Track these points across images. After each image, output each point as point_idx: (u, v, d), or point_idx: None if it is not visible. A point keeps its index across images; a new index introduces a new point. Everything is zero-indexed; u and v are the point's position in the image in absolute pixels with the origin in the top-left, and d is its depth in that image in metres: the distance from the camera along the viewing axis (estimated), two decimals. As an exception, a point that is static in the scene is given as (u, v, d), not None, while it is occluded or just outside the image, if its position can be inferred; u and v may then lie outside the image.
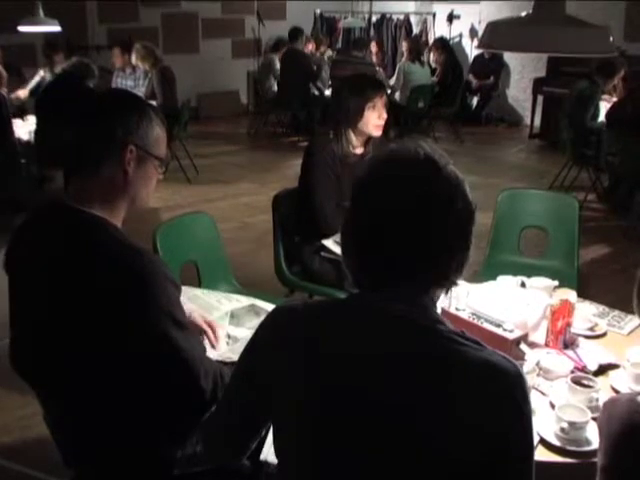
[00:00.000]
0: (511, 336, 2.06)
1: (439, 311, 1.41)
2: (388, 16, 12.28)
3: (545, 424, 1.82)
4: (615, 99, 6.88)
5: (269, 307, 2.32)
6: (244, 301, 2.52)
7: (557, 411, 1.82)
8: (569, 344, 2.25)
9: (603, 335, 2.39)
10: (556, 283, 2.61)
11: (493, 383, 1.20)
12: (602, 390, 1.93)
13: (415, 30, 12.23)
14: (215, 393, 1.72)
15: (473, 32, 11.44)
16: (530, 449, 1.25)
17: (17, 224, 1.83)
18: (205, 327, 2.11)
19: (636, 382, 2.00)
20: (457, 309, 2.20)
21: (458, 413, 1.18)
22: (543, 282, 2.61)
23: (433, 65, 10.40)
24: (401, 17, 12.18)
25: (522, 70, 10.92)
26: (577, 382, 1.93)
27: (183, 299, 1.80)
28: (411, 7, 12.27)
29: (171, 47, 10.47)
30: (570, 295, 2.40)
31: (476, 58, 11.17)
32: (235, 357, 1.74)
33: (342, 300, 1.38)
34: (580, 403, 1.86)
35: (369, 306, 1.29)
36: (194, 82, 10.43)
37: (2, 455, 2.97)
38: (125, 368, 1.67)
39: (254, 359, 1.39)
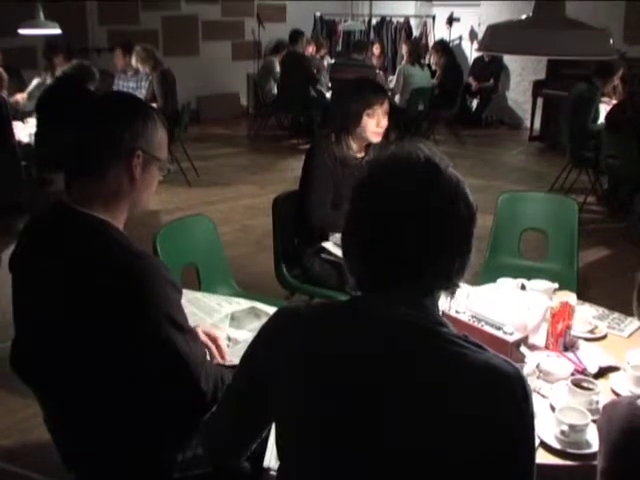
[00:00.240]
0: (511, 339, 2.06)
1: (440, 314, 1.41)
2: (388, 19, 12.30)
3: (545, 427, 1.82)
4: (614, 101, 6.88)
5: (269, 310, 2.33)
6: (244, 304, 2.53)
7: (557, 414, 1.82)
8: (569, 347, 2.25)
9: (603, 338, 2.39)
10: (556, 286, 2.62)
11: (494, 386, 1.20)
12: (602, 393, 1.93)
13: (415, 33, 12.24)
14: (216, 396, 1.72)
15: (473, 35, 11.45)
16: (531, 452, 1.25)
17: (19, 226, 1.83)
18: (209, 343, 2.10)
19: (636, 385, 2.00)
20: (457, 312, 2.21)
21: (459, 415, 1.18)
22: (543, 285, 2.61)
23: (433, 67, 10.40)
24: (401, 20, 12.20)
25: (522, 72, 10.92)
26: (577, 385, 1.93)
27: (184, 302, 1.80)
28: (411, 10, 12.29)
29: (171, 49, 10.47)
30: (570, 298, 2.40)
31: (476, 61, 11.18)
32: (235, 360, 1.75)
33: (344, 302, 1.38)
34: (580, 406, 1.86)
35: (371, 308, 1.29)
36: (194, 84, 10.44)
37: (2, 458, 2.97)
38: (125, 370, 1.67)
39: (256, 360, 1.39)
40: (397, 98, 9.16)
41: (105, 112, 1.79)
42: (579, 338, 2.33)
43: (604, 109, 6.64)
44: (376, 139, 3.31)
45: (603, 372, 2.13)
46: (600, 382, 2.02)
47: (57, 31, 6.84)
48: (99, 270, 1.63)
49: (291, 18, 11.91)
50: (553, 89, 9.29)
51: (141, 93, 7.37)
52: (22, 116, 6.41)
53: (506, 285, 2.62)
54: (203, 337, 2.10)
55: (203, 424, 1.54)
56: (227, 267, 3.33)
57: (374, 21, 12.17)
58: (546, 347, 2.26)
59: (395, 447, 1.20)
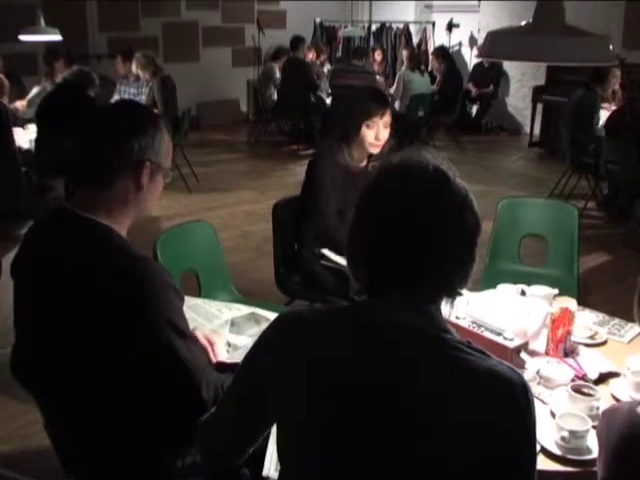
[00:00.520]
0: (511, 344, 2.06)
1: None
2: (388, 25, 12.32)
3: (546, 433, 1.81)
4: (614, 107, 6.90)
5: (270, 315, 2.32)
6: (244, 310, 2.53)
7: (558, 420, 1.81)
8: (569, 352, 2.25)
9: (603, 343, 2.39)
10: (556, 291, 2.62)
11: (497, 392, 1.20)
12: (603, 399, 1.93)
13: (415, 39, 12.26)
14: (216, 403, 1.71)
15: (472, 41, 11.47)
16: (533, 459, 1.25)
17: (19, 232, 1.84)
18: (206, 344, 2.11)
19: (636, 390, 2.00)
20: (457, 317, 2.21)
21: (461, 421, 1.18)
22: (543, 290, 2.61)
23: (434, 73, 10.43)
24: (401, 26, 12.22)
25: (521, 78, 10.94)
26: (577, 390, 1.93)
27: (184, 308, 1.80)
28: (411, 16, 12.31)
29: (171, 56, 10.49)
30: (570, 303, 2.40)
31: (475, 67, 11.20)
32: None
33: (346, 306, 1.38)
34: (581, 412, 1.85)
35: (372, 313, 1.29)
36: (194, 90, 10.45)
37: (2, 463, 2.97)
38: (126, 376, 1.67)
39: (257, 363, 1.39)
40: (397, 104, 9.17)
41: (116, 123, 1.79)
42: (579, 344, 2.33)
43: (604, 115, 6.65)
44: (374, 151, 3.25)
45: (603, 378, 2.13)
46: (600, 388, 2.02)
47: (58, 37, 6.85)
48: (100, 274, 1.63)
49: (291, 24, 11.94)
50: (553, 95, 9.30)
51: (142, 99, 7.39)
52: (22, 122, 6.42)
53: (506, 291, 2.62)
54: (202, 339, 2.11)
55: (201, 426, 1.53)
56: (227, 273, 3.33)
57: (374, 27, 12.20)
58: (546, 353, 2.25)
59: (397, 452, 1.20)
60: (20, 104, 6.93)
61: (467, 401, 1.19)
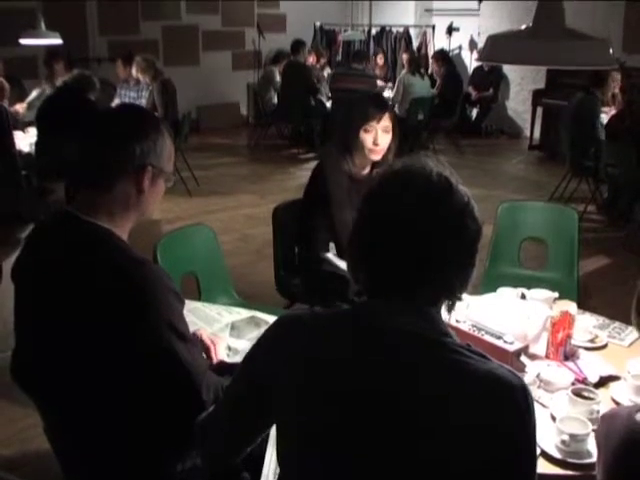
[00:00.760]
0: (511, 348, 2.06)
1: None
2: (388, 29, 12.33)
3: (546, 436, 1.81)
4: (614, 111, 6.90)
5: (270, 319, 2.33)
6: (244, 313, 2.53)
7: (558, 423, 1.81)
8: (569, 356, 2.25)
9: (604, 347, 2.39)
10: (556, 295, 2.62)
11: (497, 396, 1.20)
12: (603, 402, 1.93)
13: (415, 42, 12.28)
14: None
15: (472, 44, 11.48)
16: (533, 462, 1.25)
17: (19, 235, 1.84)
18: (210, 344, 2.11)
19: (637, 394, 2.00)
20: (457, 321, 2.21)
21: (461, 424, 1.18)
22: (543, 294, 2.61)
23: (434, 77, 10.44)
24: (401, 30, 12.23)
25: (521, 82, 10.95)
26: (578, 394, 1.93)
27: (184, 311, 1.80)
28: (411, 19, 12.32)
29: (172, 59, 10.50)
30: (570, 307, 2.40)
31: (475, 70, 11.20)
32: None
33: (346, 309, 1.39)
34: (581, 415, 1.85)
35: (372, 316, 1.29)
36: (194, 94, 10.46)
37: (2, 467, 2.96)
38: (126, 379, 1.67)
39: (256, 364, 1.40)
40: (397, 107, 9.18)
41: (118, 127, 1.79)
42: (579, 347, 2.33)
43: (604, 118, 6.65)
44: (374, 157, 3.14)
45: (604, 381, 2.13)
46: (601, 391, 2.01)
47: (58, 41, 6.86)
48: (101, 277, 1.63)
49: (291, 28, 11.95)
50: (552, 98, 9.32)
51: (142, 103, 7.40)
52: (23, 125, 6.42)
53: (506, 294, 2.62)
54: (206, 339, 2.11)
55: (198, 425, 1.54)
56: (227, 276, 3.33)
57: (374, 31, 12.21)
58: (546, 356, 2.25)
59: (397, 455, 1.20)
60: (20, 107, 6.93)
61: (467, 404, 1.19)
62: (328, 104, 9.36)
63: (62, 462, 1.87)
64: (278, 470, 1.66)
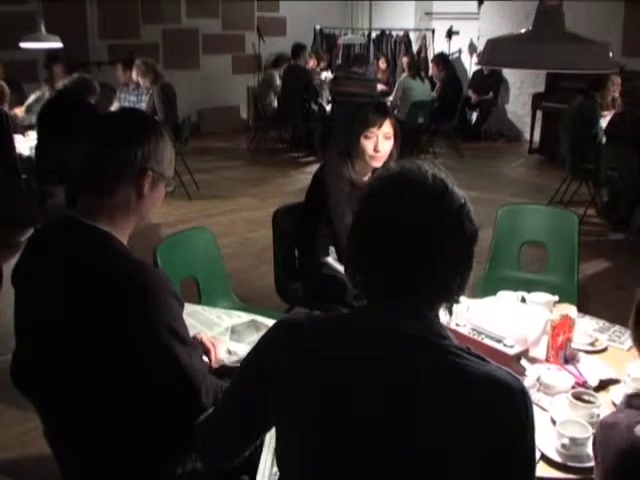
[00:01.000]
0: (511, 351, 2.06)
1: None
2: (388, 32, 12.34)
3: (546, 440, 1.81)
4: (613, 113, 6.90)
5: (270, 323, 2.33)
6: (244, 317, 2.53)
7: (558, 427, 1.81)
8: (570, 359, 2.25)
9: (604, 350, 2.39)
10: (556, 298, 2.61)
11: (496, 398, 1.21)
12: (603, 406, 1.93)
13: (414, 46, 12.29)
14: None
15: (472, 48, 11.49)
16: (532, 464, 1.26)
17: (19, 239, 1.85)
18: (210, 346, 2.12)
19: (637, 397, 2.00)
20: (457, 324, 2.21)
21: (460, 426, 1.19)
22: (543, 297, 2.61)
23: (434, 80, 10.45)
24: (400, 33, 12.24)
25: (521, 85, 10.97)
26: (578, 398, 1.93)
27: (183, 315, 1.81)
28: (410, 23, 12.33)
29: (172, 63, 10.51)
30: (570, 310, 2.40)
31: (475, 74, 11.22)
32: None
33: (345, 314, 1.39)
34: (581, 419, 1.85)
35: (373, 320, 1.30)
36: (195, 98, 10.47)
37: (2, 471, 2.96)
38: (126, 383, 1.67)
39: (255, 365, 1.41)
40: (396, 111, 9.19)
41: (119, 131, 1.79)
42: (579, 351, 2.33)
43: (604, 122, 6.65)
44: (375, 163, 3.11)
45: (604, 385, 2.13)
46: (601, 395, 2.01)
47: (58, 45, 6.87)
48: (101, 281, 1.63)
49: (291, 31, 11.97)
50: (552, 102, 9.32)
51: (142, 107, 7.40)
52: (23, 129, 6.42)
53: (506, 298, 2.62)
54: (206, 341, 2.12)
55: (197, 427, 1.54)
56: (227, 280, 3.33)
57: (374, 34, 12.22)
58: (546, 360, 2.25)
59: (395, 451, 1.21)
60: (19, 110, 6.93)
61: (466, 406, 1.20)
62: (328, 108, 9.36)
63: (62, 466, 1.87)
64: (274, 471, 1.67)
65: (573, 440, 1.76)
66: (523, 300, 2.61)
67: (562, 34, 1.96)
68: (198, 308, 2.66)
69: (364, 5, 12.32)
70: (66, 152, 1.80)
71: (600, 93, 6.57)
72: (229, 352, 2.22)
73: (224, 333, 2.39)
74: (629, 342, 2.43)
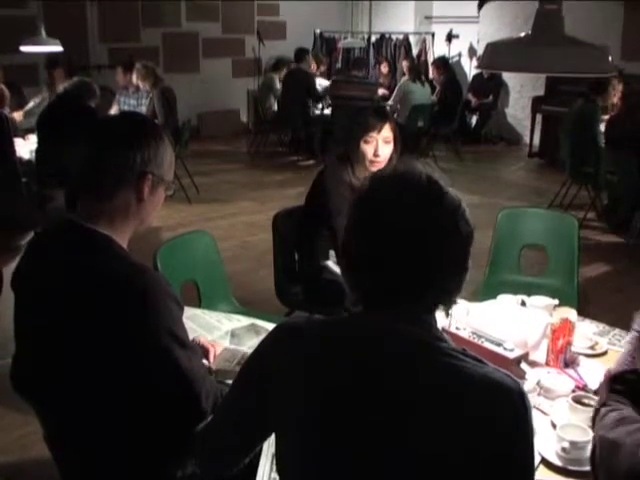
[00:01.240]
0: (511, 355, 2.06)
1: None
2: (387, 36, 12.36)
3: (546, 444, 1.81)
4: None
5: (270, 327, 2.33)
6: (244, 321, 2.53)
7: (558, 430, 1.81)
8: (570, 363, 2.25)
9: (604, 354, 2.38)
10: (556, 302, 2.62)
11: (495, 400, 1.21)
12: (603, 409, 1.93)
13: (414, 50, 12.31)
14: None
15: (472, 51, 11.52)
16: (531, 466, 1.26)
17: (19, 243, 1.85)
18: (209, 347, 2.13)
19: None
20: (457, 328, 2.21)
21: (459, 428, 1.19)
22: (543, 301, 2.61)
23: (434, 84, 10.46)
24: (400, 37, 12.26)
25: (521, 89, 10.98)
26: (578, 401, 1.93)
27: (183, 319, 1.81)
28: (410, 27, 12.35)
29: (172, 66, 10.54)
30: (570, 314, 2.40)
31: (475, 77, 11.23)
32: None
33: (344, 317, 1.39)
34: (581, 422, 1.85)
35: (372, 323, 1.30)
36: (195, 101, 10.49)
37: (1, 475, 2.96)
38: (126, 386, 1.67)
39: (255, 370, 1.41)
40: (396, 115, 9.20)
41: (119, 135, 1.79)
42: (580, 354, 2.33)
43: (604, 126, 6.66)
44: (375, 168, 3.06)
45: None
46: (601, 399, 2.01)
47: (58, 48, 6.88)
48: (101, 284, 1.63)
49: (291, 35, 12.00)
50: (552, 105, 9.33)
51: (141, 110, 7.41)
52: (23, 132, 6.43)
53: (506, 301, 2.62)
54: (205, 343, 2.12)
55: (198, 434, 1.54)
56: (227, 283, 3.33)
57: (374, 38, 12.24)
58: (546, 363, 2.25)
59: (395, 452, 1.21)
60: (17, 115, 6.93)
61: (464, 409, 1.20)
62: (327, 111, 9.36)
63: (62, 470, 1.86)
64: (273, 477, 1.67)
65: (573, 444, 1.76)
66: (523, 304, 2.61)
67: (561, 38, 1.96)
68: (198, 312, 2.66)
69: (364, 9, 12.34)
70: (66, 156, 1.81)
71: (601, 97, 6.58)
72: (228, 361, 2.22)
73: (224, 337, 2.40)
74: (629, 345, 2.44)
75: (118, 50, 9.70)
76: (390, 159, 3.12)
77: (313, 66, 10.48)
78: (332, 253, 3.28)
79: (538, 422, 1.92)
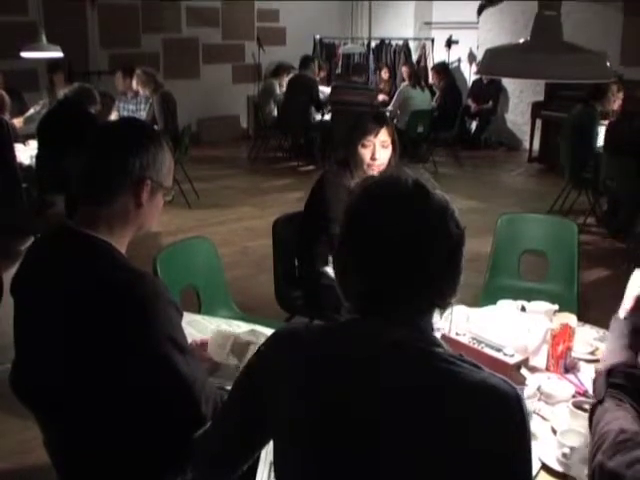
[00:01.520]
0: (512, 361, 2.05)
1: (438, 335, 1.42)
2: (387, 41, 12.39)
3: (547, 449, 1.81)
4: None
5: (269, 332, 2.33)
6: (244, 327, 2.53)
7: (559, 436, 1.81)
8: (570, 368, 2.25)
9: (604, 359, 2.38)
10: (556, 307, 2.61)
11: (492, 405, 1.21)
12: (603, 415, 1.92)
13: (414, 55, 12.33)
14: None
15: (471, 57, 11.53)
16: (529, 472, 1.26)
17: (19, 248, 1.85)
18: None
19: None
20: (457, 334, 2.20)
21: (455, 434, 1.19)
22: (543, 306, 2.61)
23: (434, 89, 10.47)
24: (400, 42, 12.28)
25: (520, 94, 10.99)
26: (579, 407, 1.92)
27: (183, 324, 1.81)
28: (410, 32, 12.38)
29: (172, 72, 10.56)
30: (570, 319, 2.40)
31: (475, 83, 11.25)
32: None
33: (342, 324, 1.40)
34: (582, 428, 1.85)
35: (370, 329, 1.30)
36: (195, 107, 10.51)
37: (0, 480, 2.96)
38: (126, 392, 1.67)
39: (254, 377, 1.41)
40: (396, 120, 9.21)
41: (118, 140, 1.80)
42: (580, 360, 2.32)
43: (602, 131, 6.66)
44: (372, 172, 3.09)
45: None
46: (601, 404, 2.01)
47: (59, 54, 6.89)
48: (100, 289, 1.63)
49: (291, 41, 12.02)
50: (552, 111, 9.34)
51: (140, 115, 7.42)
52: (23, 138, 6.44)
53: (506, 307, 2.62)
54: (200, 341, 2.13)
55: (196, 441, 1.54)
56: (227, 289, 3.33)
57: (373, 44, 12.26)
58: (547, 369, 2.25)
59: (392, 452, 1.21)
60: (17, 121, 6.94)
61: (461, 414, 1.20)
62: (327, 117, 9.37)
63: (61, 475, 1.86)
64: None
65: (574, 449, 1.76)
66: (523, 309, 2.61)
67: (559, 44, 1.97)
68: (198, 317, 2.66)
69: (364, 15, 12.36)
70: (66, 161, 1.81)
71: (600, 102, 6.59)
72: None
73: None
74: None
75: (118, 56, 9.71)
76: (389, 163, 3.14)
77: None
78: (331, 259, 3.28)
79: (538, 428, 1.92)
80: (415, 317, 1.30)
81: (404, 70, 10.34)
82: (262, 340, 1.49)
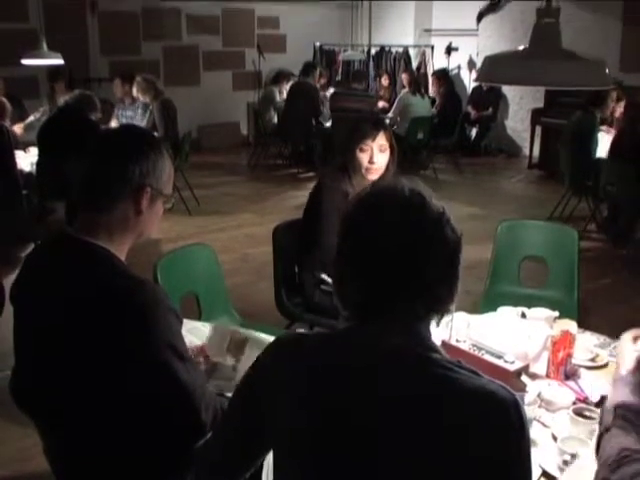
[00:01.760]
0: (512, 367, 2.05)
1: (438, 342, 1.42)
2: (387, 49, 12.40)
3: (547, 456, 1.81)
4: (614, 131, 6.91)
5: (269, 339, 2.33)
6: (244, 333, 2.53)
7: (559, 443, 1.81)
8: (570, 375, 2.24)
9: (604, 366, 2.38)
10: (557, 314, 2.61)
11: (491, 412, 1.21)
12: (604, 422, 1.92)
13: (414, 62, 12.35)
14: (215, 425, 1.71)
15: (471, 64, 11.55)
16: (528, 477, 1.25)
17: (19, 255, 1.85)
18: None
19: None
20: (457, 340, 2.20)
21: (454, 442, 1.19)
22: (543, 313, 2.61)
23: (432, 94, 10.48)
24: (400, 49, 12.31)
25: (520, 101, 11.00)
26: (579, 413, 1.92)
27: (183, 331, 1.81)
28: (410, 40, 12.40)
29: (172, 79, 10.58)
30: (571, 326, 2.40)
31: (474, 89, 11.26)
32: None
33: (341, 332, 1.40)
34: (582, 435, 1.85)
35: (366, 338, 1.30)
36: (195, 114, 10.52)
37: (0, 488, 2.95)
38: (126, 400, 1.67)
39: (254, 386, 1.41)
40: (395, 127, 9.22)
41: (118, 148, 1.80)
42: (580, 366, 2.32)
43: (606, 138, 6.65)
44: (371, 176, 3.12)
45: (605, 401, 2.12)
46: (602, 411, 2.01)
47: (60, 61, 6.91)
48: (100, 296, 1.63)
49: (291, 48, 12.05)
50: (551, 117, 9.35)
51: (138, 121, 7.43)
52: (24, 145, 6.44)
53: (506, 313, 2.62)
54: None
55: (197, 451, 1.54)
56: (227, 296, 3.34)
57: (373, 51, 12.28)
58: (547, 376, 2.25)
59: (391, 459, 1.21)
60: (18, 127, 6.95)
61: (459, 421, 1.20)
62: (327, 124, 9.38)
63: (61, 483, 1.86)
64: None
65: (574, 456, 1.75)
66: (523, 316, 2.61)
67: (558, 51, 1.97)
68: (198, 324, 2.66)
69: (364, 22, 12.38)
70: (66, 168, 1.81)
71: (599, 109, 6.60)
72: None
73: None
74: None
75: (119, 63, 9.73)
76: (387, 169, 3.16)
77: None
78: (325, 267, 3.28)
79: (539, 434, 1.91)
80: (413, 324, 1.30)
81: (404, 77, 10.35)
82: (260, 348, 1.49)
